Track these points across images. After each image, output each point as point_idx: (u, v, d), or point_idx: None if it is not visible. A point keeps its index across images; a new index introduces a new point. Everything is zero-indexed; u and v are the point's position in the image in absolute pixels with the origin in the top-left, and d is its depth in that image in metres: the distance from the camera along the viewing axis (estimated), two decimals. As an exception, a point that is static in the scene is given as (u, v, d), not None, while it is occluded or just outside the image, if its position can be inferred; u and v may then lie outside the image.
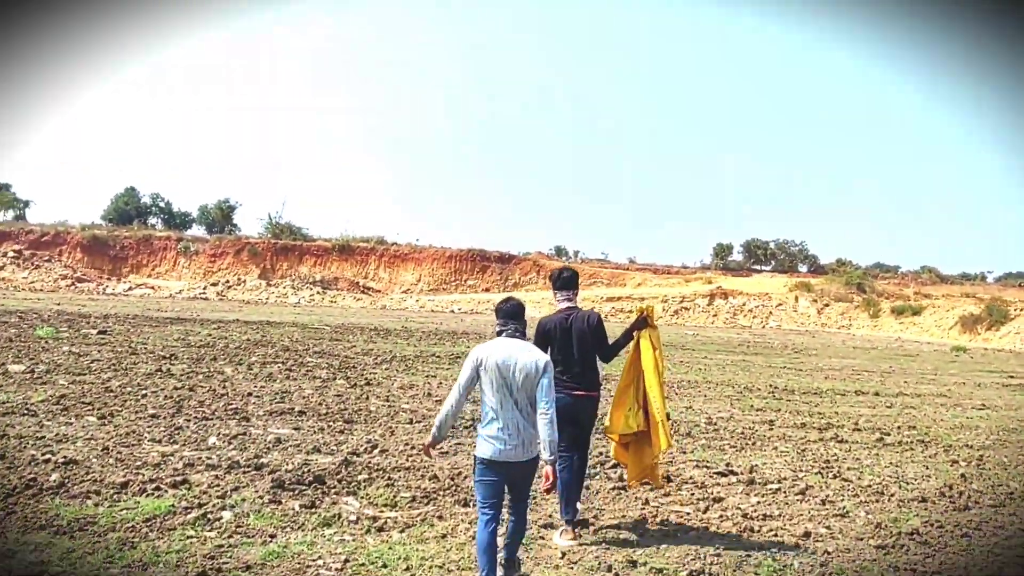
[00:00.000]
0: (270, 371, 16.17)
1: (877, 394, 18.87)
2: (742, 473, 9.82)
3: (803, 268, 76.66)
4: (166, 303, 41.61)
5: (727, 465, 10.21)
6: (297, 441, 10.12)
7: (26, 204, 75.28)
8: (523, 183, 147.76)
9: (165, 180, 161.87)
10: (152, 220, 77.16)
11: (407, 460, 9.47)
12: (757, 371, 22.83)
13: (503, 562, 5.81)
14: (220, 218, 73.98)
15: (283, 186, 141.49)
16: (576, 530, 7.13)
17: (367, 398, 13.88)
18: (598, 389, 7.27)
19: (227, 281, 53.01)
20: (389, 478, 8.61)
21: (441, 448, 9.97)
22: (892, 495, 9.20)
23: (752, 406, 15.72)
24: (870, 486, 9.55)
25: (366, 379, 16.11)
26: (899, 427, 14.14)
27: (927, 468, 10.81)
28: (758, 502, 8.64)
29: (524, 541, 6.77)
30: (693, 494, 8.84)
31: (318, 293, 50.28)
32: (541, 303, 52.22)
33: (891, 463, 10.99)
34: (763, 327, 49.93)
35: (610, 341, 7.44)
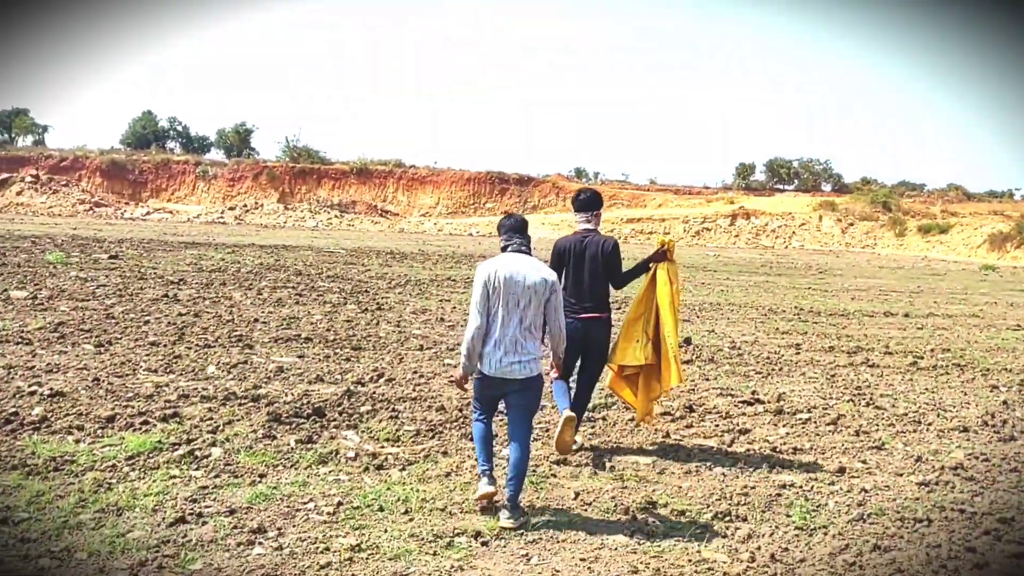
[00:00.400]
0: (279, 296, 15.63)
1: (907, 315, 18.16)
2: (769, 402, 9.21)
3: (827, 187, 74.86)
4: (184, 227, 41.17)
5: (753, 393, 9.60)
6: (300, 370, 9.58)
7: (45, 129, 74.54)
8: (542, 104, 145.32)
9: (182, 104, 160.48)
10: (170, 144, 76.30)
11: (414, 390, 8.92)
12: (781, 292, 22.11)
13: (506, 503, 5.48)
14: (237, 142, 73.00)
15: (300, 110, 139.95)
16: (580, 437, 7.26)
17: (377, 323, 13.34)
18: (608, 311, 6.98)
19: (245, 205, 52.44)
20: (393, 409, 8.06)
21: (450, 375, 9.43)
22: (930, 424, 8.57)
23: (777, 329, 15.06)
24: (906, 415, 8.93)
25: (378, 304, 15.56)
26: (932, 350, 13.47)
27: (965, 394, 10.16)
28: (787, 433, 8.05)
29: (533, 480, 6.23)
30: (717, 425, 8.25)
31: (336, 217, 49.63)
32: (560, 225, 51.49)
33: (926, 389, 10.35)
34: (786, 247, 48.96)
35: (625, 268, 7.18)
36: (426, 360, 10.71)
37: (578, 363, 7.04)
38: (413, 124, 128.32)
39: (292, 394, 8.37)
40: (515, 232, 5.69)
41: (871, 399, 9.58)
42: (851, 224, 52.43)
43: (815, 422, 8.47)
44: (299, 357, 10.36)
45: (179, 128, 77.95)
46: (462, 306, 15.84)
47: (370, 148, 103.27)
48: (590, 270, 6.83)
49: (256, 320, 12.84)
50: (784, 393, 9.67)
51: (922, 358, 12.64)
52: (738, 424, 8.28)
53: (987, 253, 41.49)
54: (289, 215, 49.28)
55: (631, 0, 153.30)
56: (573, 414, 6.41)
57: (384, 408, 8.10)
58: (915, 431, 8.31)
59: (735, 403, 9.13)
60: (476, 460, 5.82)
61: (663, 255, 7.06)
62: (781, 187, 77.50)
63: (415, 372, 9.84)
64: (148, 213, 49.16)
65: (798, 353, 12.63)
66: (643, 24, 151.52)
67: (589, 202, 7.05)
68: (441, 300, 16.69)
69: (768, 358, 12.01)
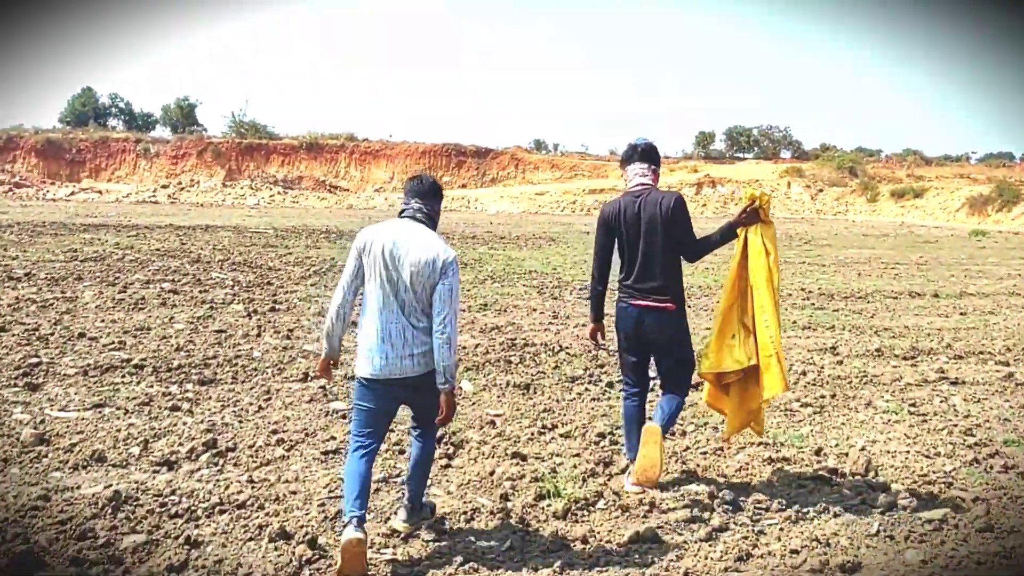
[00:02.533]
0: (145, 294, 11.50)
1: (936, 296, 14.46)
2: (855, 473, 5.41)
3: (786, 155, 71.74)
4: (108, 208, 36.49)
5: (818, 455, 5.83)
6: (69, 442, 5.58)
7: (-24, 109, 68.81)
8: (499, 76, 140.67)
9: (124, 80, 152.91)
10: (112, 122, 71.04)
11: (258, 486, 4.97)
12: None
13: (407, 504, 4.37)
14: (181, 117, 68.01)
15: (247, 84, 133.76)
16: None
17: (260, 334, 9.35)
18: (677, 300, 5.00)
19: (180, 183, 47.71)
20: (187, 557, 4.11)
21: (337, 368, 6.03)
22: None
23: (795, 322, 11.27)
24: (1090, 496, 5.13)
25: (275, 301, 11.52)
26: (1009, 349, 9.76)
27: None
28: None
29: None
30: (793, 547, 4.40)
31: (279, 193, 45.08)
32: (520, 198, 47.59)
33: (1067, 428, 6.60)
34: (755, 216, 45.24)
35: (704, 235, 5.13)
36: (305, 402, 6.77)
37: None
38: (365, 97, 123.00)
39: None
40: (417, 195, 4.27)
41: (996, 452, 5.82)
42: (820, 190, 48.99)
43: (962, 525, 4.64)
44: (95, 407, 6.36)
45: (121, 105, 72.65)
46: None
47: (321, 122, 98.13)
48: (647, 239, 4.92)
49: (83, 335, 8.78)
50: (867, 453, 5.83)
51: (1008, 363, 8.95)
52: (834, 540, 4.41)
53: (967, 217, 38.25)
54: (229, 192, 44.65)
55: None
56: (656, 425, 4.85)
57: (174, 548, 4.14)
58: None
59: (796, 478, 5.31)
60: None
61: (755, 214, 4.99)
62: (741, 155, 74.44)
63: (276, 431, 5.93)
64: (72, 193, 44.29)
65: (841, 363, 8.86)
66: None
67: (648, 152, 5.12)
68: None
69: (806, 373, 8.22)
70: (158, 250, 17.53)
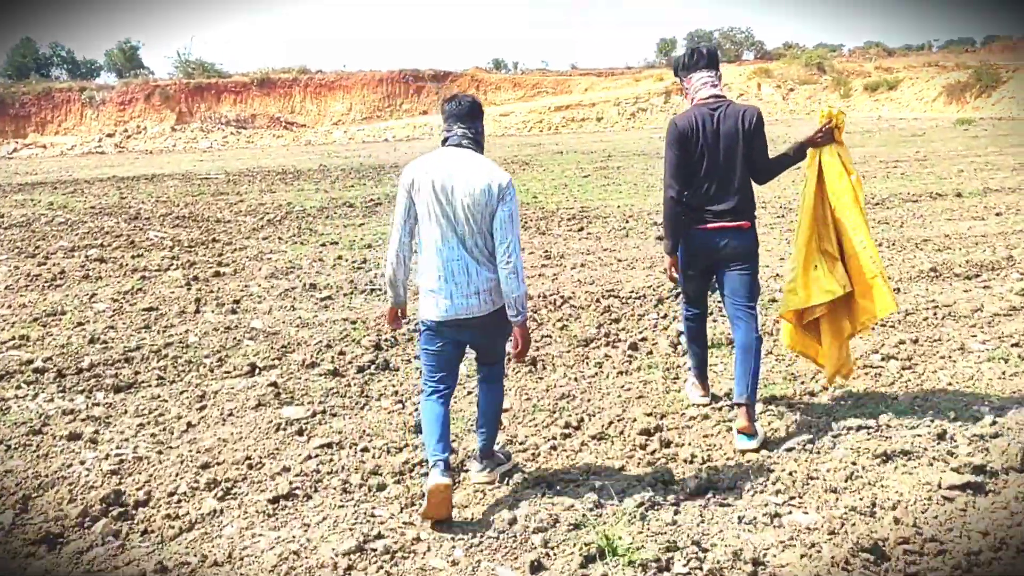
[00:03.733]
0: (68, 266, 9.68)
1: (959, 195, 12.92)
2: (1006, 459, 3.85)
3: (749, 56, 69.58)
4: (51, 164, 33.97)
5: (941, 437, 4.25)
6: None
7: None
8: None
9: (65, 27, 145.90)
10: (56, 72, 67.24)
11: None
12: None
13: (480, 455, 4.10)
14: (124, 62, 64.42)
15: (190, 22, 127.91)
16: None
17: (199, 309, 7.62)
18: (752, 218, 4.47)
19: (126, 131, 44.90)
20: None
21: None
22: None
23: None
24: None
25: (220, 263, 9.74)
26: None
27: None
28: None
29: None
30: None
31: (232, 134, 42.48)
32: (485, 120, 45.19)
33: None
34: (726, 122, 43.32)
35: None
36: (250, 409, 5.11)
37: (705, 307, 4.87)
38: (316, 28, 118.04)
39: None
40: (458, 119, 3.86)
41: None
42: (791, 90, 47.10)
43: None
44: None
45: (63, 54, 68.78)
46: (352, 255, 10.16)
47: (272, 57, 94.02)
48: (727, 156, 4.34)
49: (-30, 331, 7.00)
50: (1014, 438, 4.28)
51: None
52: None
53: (944, 106, 36.64)
54: (179, 137, 42.02)
55: None
56: (746, 399, 4.30)
57: None
58: None
59: (931, 489, 3.75)
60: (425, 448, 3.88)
61: (830, 134, 4.44)
62: (704, 60, 71.88)
63: (208, 464, 4.29)
64: (15, 150, 41.44)
65: (898, 290, 7.31)
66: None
67: (714, 57, 4.55)
68: (324, 244, 10.92)
69: (866, 310, 6.67)
70: (93, 208, 15.52)
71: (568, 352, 6.13)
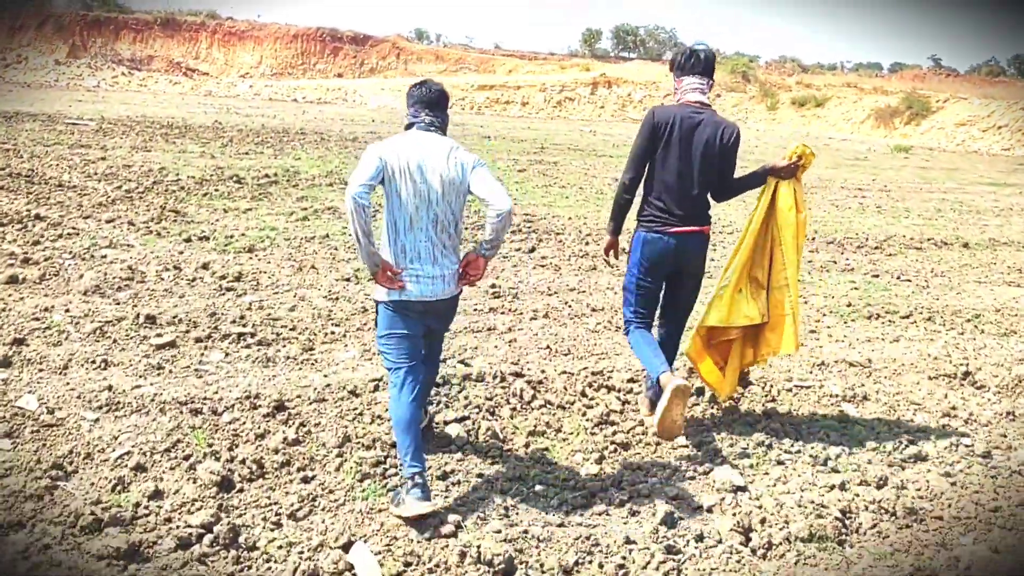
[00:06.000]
0: None
1: (966, 245, 10.81)
2: None
3: (669, 57, 68.08)
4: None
5: None
6: None
7: None
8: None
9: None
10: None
11: None
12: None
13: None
14: (17, -16, 58.02)
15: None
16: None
17: (-52, 355, 4.62)
18: (709, 222, 4.39)
19: (4, 60, 39.67)
20: None
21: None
22: None
23: (853, 306, 7.33)
24: None
25: (26, 259, 6.69)
26: None
27: None
28: None
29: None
30: None
31: (124, 75, 37.84)
32: (402, 91, 41.80)
33: None
34: (652, 121, 41.26)
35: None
36: None
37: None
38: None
39: None
40: (427, 106, 3.73)
41: None
42: (718, 96, 45.36)
43: None
44: None
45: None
46: (223, 262, 7.23)
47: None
48: (701, 163, 4.23)
49: None
50: None
51: None
52: None
53: (872, 129, 35.52)
54: (63, 72, 37.20)
55: None
56: (685, 382, 4.01)
57: None
58: None
59: None
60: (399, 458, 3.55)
61: (793, 170, 4.38)
62: (626, 55, 70.69)
63: None
64: None
65: (1013, 417, 4.94)
66: None
67: (710, 62, 4.30)
68: (188, 239, 7.93)
69: (991, 455, 4.27)
70: (-93, 150, 11.97)
71: (561, 519, 3.47)
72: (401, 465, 3.50)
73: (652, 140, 4.23)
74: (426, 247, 3.58)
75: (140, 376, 4.62)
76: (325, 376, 4.80)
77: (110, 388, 4.36)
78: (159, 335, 5.27)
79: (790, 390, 5.12)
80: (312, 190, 11.42)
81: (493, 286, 7.05)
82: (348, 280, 6.89)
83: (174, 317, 5.60)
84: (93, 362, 4.74)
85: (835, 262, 9.13)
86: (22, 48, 48.05)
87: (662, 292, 4.45)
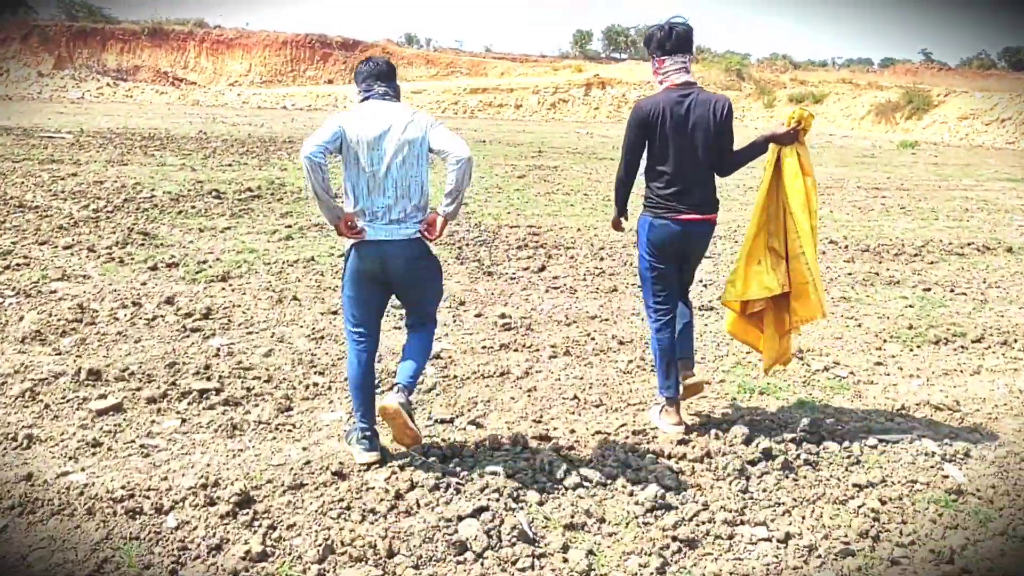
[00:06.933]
0: None
1: (1010, 250, 9.85)
2: None
3: (645, 33, 67.16)
4: None
5: None
6: None
7: None
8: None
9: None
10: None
11: None
12: (727, 198, 13.38)
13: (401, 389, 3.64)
14: (3, -3, 56.94)
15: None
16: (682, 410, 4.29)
17: None
18: (716, 210, 4.26)
19: (-14, 72, 38.56)
20: None
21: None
22: None
23: (924, 336, 6.38)
24: None
25: (-42, 301, 5.69)
26: None
27: None
28: None
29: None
30: None
31: (108, 85, 36.73)
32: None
33: None
34: (647, 121, 40.27)
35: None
36: None
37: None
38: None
39: None
40: (377, 78, 3.75)
41: None
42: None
43: None
44: None
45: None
46: (191, 295, 6.24)
47: (166, 6, 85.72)
48: (701, 145, 4.05)
49: None
50: None
51: None
52: None
53: (872, 125, 34.60)
54: (46, 84, 36.11)
55: None
56: (681, 429, 4.16)
57: None
58: None
59: None
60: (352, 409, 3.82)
61: (795, 135, 4.19)
62: (617, 56, 69.91)
63: None
64: None
65: None
66: None
67: (688, 38, 4.10)
68: (155, 267, 6.95)
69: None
70: None
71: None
72: (352, 415, 3.82)
73: (643, 134, 4.08)
74: (385, 213, 3.58)
75: (71, 458, 3.63)
76: (304, 449, 3.81)
77: (28, 478, 3.38)
78: (103, 395, 4.28)
79: (874, 446, 4.15)
80: (297, 204, 10.43)
81: (503, 315, 6.07)
82: (335, 313, 5.89)
83: (124, 370, 4.61)
84: (15, 439, 3.76)
85: (877, 274, 8.15)
86: (6, 60, 46.95)
87: (678, 272, 4.33)
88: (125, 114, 26.51)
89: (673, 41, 4.03)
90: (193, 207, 9.76)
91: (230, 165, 13.96)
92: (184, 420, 4.07)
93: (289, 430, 4.04)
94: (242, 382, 4.57)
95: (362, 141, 3.52)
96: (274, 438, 3.94)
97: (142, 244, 7.75)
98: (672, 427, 4.20)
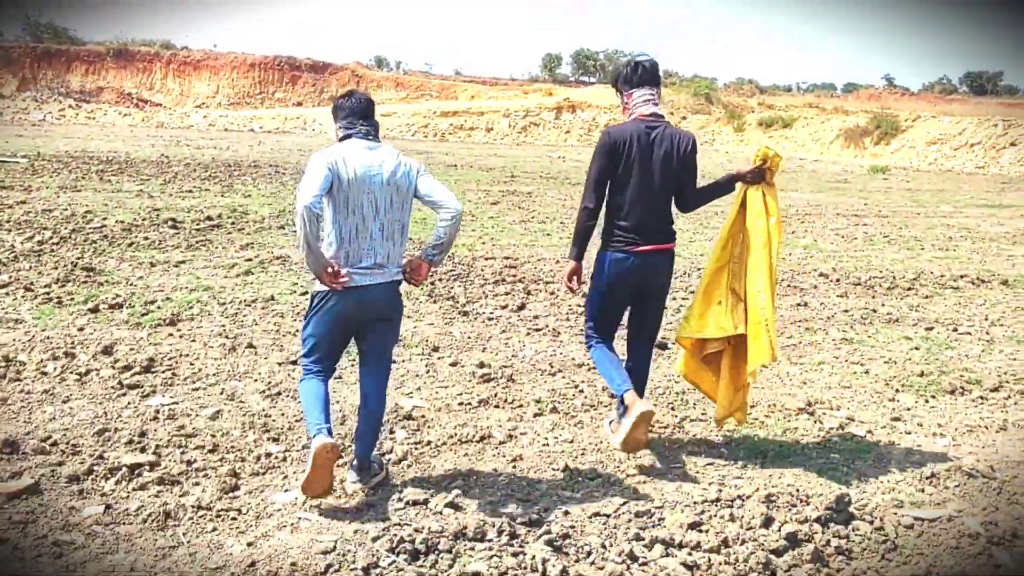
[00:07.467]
0: None
1: (1005, 283, 9.44)
2: None
3: (611, 74, 67.47)
4: None
5: None
6: None
7: None
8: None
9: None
10: None
11: None
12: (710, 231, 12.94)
13: (354, 465, 3.72)
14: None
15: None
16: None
17: None
18: (674, 240, 4.26)
19: (-59, 94, 37.41)
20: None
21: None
22: None
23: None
24: None
25: None
26: None
27: None
28: None
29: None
30: None
31: (71, 107, 35.73)
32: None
33: None
34: (618, 145, 39.96)
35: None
36: None
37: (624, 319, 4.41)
38: (185, 1, 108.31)
39: None
40: (360, 116, 3.71)
41: None
42: (684, 118, 44.23)
43: None
44: None
45: None
46: (133, 343, 5.58)
47: (133, 27, 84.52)
48: (661, 177, 4.08)
49: None
50: None
51: None
52: None
53: (841, 149, 34.56)
54: (7, 106, 35.01)
55: None
56: (651, 408, 3.93)
57: None
58: None
59: None
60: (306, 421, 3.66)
61: (760, 174, 4.18)
62: (586, 79, 70.16)
63: None
64: None
65: None
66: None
67: (654, 73, 4.16)
68: (96, 309, 6.28)
69: None
70: None
71: None
72: (307, 421, 3.59)
73: (612, 162, 4.07)
74: (368, 256, 3.56)
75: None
76: (250, 545, 3.18)
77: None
78: (16, 474, 3.63)
79: (910, 526, 3.61)
80: (260, 234, 9.78)
81: (481, 364, 5.48)
82: (295, 363, 5.27)
83: (46, 439, 3.96)
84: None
85: (874, 311, 7.68)
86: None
87: (626, 312, 4.34)
88: (86, 136, 25.61)
89: (639, 75, 4.11)
90: (146, 238, 9.08)
91: (191, 191, 13.27)
92: (108, 507, 3.42)
93: (233, 518, 3.41)
94: (182, 453, 3.94)
95: (353, 184, 3.52)
96: (214, 529, 3.31)
97: (84, 281, 7.07)
98: (620, 442, 3.98)
